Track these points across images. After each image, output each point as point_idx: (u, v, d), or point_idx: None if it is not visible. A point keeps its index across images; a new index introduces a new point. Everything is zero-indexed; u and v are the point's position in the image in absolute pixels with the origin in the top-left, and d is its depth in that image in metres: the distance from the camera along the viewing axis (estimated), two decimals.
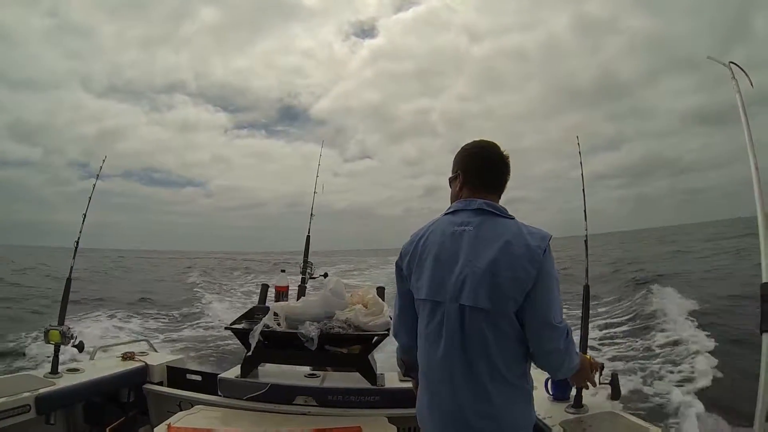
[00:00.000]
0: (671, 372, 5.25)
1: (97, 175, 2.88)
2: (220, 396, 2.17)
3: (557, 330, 1.18)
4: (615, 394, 1.85)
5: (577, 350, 1.33)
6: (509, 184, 1.34)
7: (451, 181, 1.37)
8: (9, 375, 2.48)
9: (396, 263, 1.39)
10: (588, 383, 1.54)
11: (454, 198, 1.35)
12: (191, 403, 2.20)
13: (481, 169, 1.31)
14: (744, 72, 1.81)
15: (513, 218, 1.24)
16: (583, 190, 2.19)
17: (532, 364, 1.28)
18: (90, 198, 2.77)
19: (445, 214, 1.32)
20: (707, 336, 6.12)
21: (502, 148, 1.34)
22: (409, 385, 1.76)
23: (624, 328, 7.69)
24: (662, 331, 6.90)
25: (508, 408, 1.19)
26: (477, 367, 1.17)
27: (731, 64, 1.82)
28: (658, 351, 6.12)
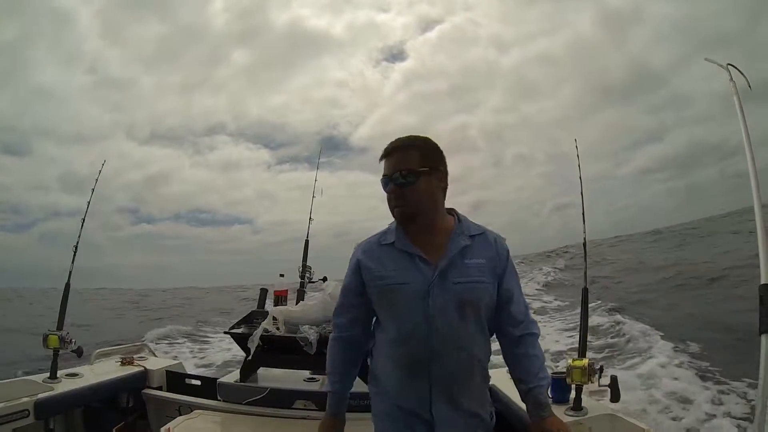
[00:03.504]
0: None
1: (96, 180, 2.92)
2: (220, 400, 2.17)
3: None
4: (614, 397, 1.85)
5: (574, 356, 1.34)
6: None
7: None
8: (8, 380, 2.48)
9: None
10: None
11: None
12: (191, 408, 2.20)
13: None
14: (742, 73, 1.80)
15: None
16: (582, 193, 2.20)
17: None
18: (89, 200, 2.82)
19: None
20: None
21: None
22: None
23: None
24: None
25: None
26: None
27: (729, 66, 1.81)
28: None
